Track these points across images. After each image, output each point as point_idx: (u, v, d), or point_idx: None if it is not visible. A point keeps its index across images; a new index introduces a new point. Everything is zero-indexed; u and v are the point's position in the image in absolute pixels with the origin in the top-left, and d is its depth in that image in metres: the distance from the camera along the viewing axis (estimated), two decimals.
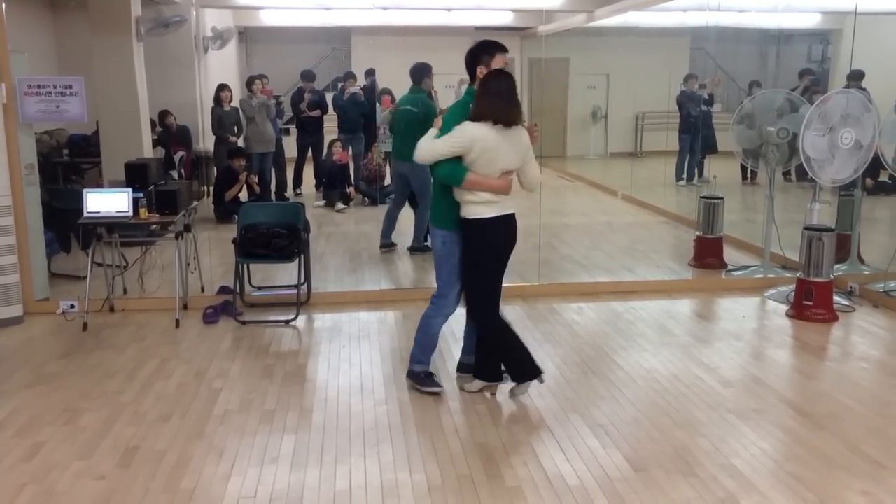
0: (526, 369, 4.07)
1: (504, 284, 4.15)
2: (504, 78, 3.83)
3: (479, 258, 3.95)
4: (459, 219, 3.93)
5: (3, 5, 5.27)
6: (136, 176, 5.76)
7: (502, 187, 3.86)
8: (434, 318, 4.17)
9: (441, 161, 3.81)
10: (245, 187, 8.44)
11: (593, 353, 4.83)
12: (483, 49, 3.95)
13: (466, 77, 4.07)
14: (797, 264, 5.87)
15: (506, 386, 4.18)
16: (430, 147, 3.84)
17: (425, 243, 7.17)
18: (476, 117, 3.80)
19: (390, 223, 7.47)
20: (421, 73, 7.14)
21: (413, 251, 7.37)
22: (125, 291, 5.98)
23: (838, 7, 9.67)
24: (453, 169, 3.81)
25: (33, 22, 8.94)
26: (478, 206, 3.86)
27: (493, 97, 3.78)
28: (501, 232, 3.93)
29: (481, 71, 3.91)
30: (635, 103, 11.81)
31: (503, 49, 3.97)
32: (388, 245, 7.44)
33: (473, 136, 3.77)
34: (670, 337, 5.12)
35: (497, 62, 3.92)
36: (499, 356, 4.11)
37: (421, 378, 4.22)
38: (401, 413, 3.95)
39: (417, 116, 6.76)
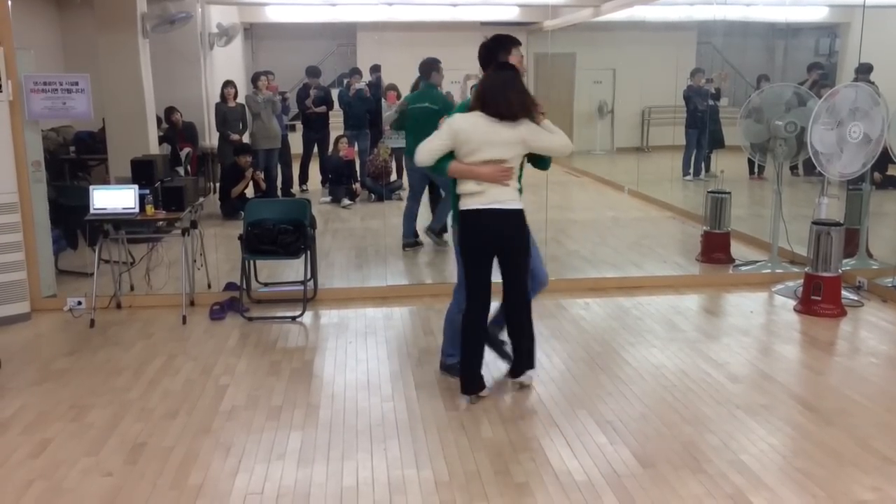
0: (464, 378, 4.03)
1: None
2: (503, 71, 3.83)
3: (460, 250, 3.98)
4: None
5: (10, 2, 5.27)
6: (142, 173, 5.76)
7: (487, 176, 3.78)
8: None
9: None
10: (251, 184, 8.45)
11: (600, 348, 4.82)
12: (498, 44, 3.92)
13: (472, 72, 4.07)
14: (805, 259, 5.84)
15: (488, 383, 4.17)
16: (423, 148, 3.84)
17: (443, 231, 7.22)
18: (469, 108, 3.86)
19: (411, 221, 7.33)
20: (430, 67, 7.05)
21: (430, 231, 7.35)
22: (132, 288, 5.99)
23: (846, 0, 9.62)
24: (440, 160, 3.83)
25: (39, 19, 8.95)
26: (463, 199, 3.89)
27: (485, 88, 3.81)
28: (476, 226, 3.87)
29: None
30: (642, 98, 11.78)
31: (517, 43, 3.95)
32: (412, 244, 7.28)
33: (456, 127, 3.80)
34: (678, 332, 5.11)
35: (513, 57, 3.90)
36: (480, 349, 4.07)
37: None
38: (408, 409, 3.94)
39: (438, 113, 6.54)
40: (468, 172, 3.80)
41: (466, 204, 3.86)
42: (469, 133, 3.77)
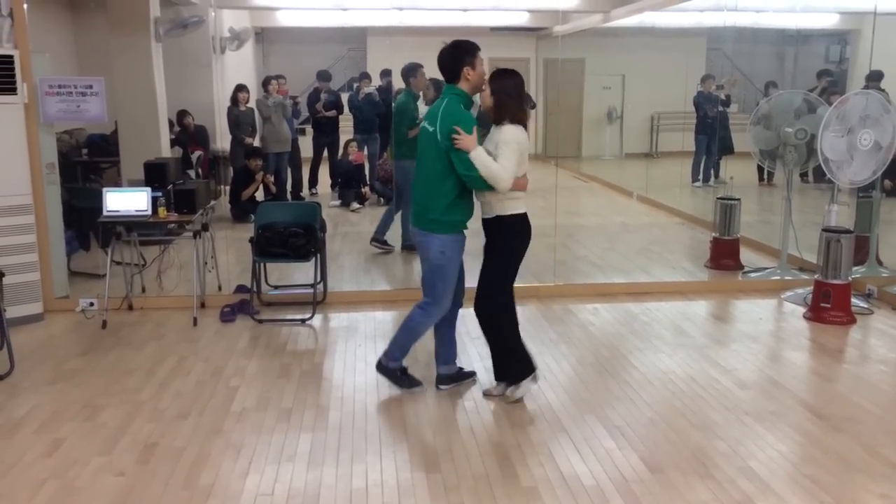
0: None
1: (519, 285, 4.15)
2: (517, 77, 3.92)
3: (517, 252, 4.01)
4: (460, 221, 3.97)
5: (25, 6, 5.33)
6: (154, 175, 5.80)
7: (526, 184, 3.97)
8: (425, 324, 4.14)
9: (474, 166, 3.80)
10: (261, 187, 8.49)
11: (609, 354, 4.83)
12: (466, 50, 3.93)
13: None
14: (815, 266, 5.84)
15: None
16: (500, 169, 3.79)
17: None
18: (514, 120, 3.88)
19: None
20: (408, 73, 7.18)
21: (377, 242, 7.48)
22: (143, 290, 6.03)
23: (857, 7, 9.61)
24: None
25: (54, 23, 9.03)
26: (516, 203, 3.94)
27: (518, 98, 3.89)
28: (529, 226, 4.03)
29: (468, 72, 3.90)
30: (651, 104, 11.79)
31: (479, 48, 3.99)
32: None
33: (522, 141, 3.89)
34: (686, 338, 5.11)
35: (479, 61, 3.94)
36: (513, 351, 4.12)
37: (398, 376, 4.23)
38: (416, 412, 3.96)
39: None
40: (522, 185, 3.92)
41: (521, 207, 3.96)
42: (524, 144, 3.91)
